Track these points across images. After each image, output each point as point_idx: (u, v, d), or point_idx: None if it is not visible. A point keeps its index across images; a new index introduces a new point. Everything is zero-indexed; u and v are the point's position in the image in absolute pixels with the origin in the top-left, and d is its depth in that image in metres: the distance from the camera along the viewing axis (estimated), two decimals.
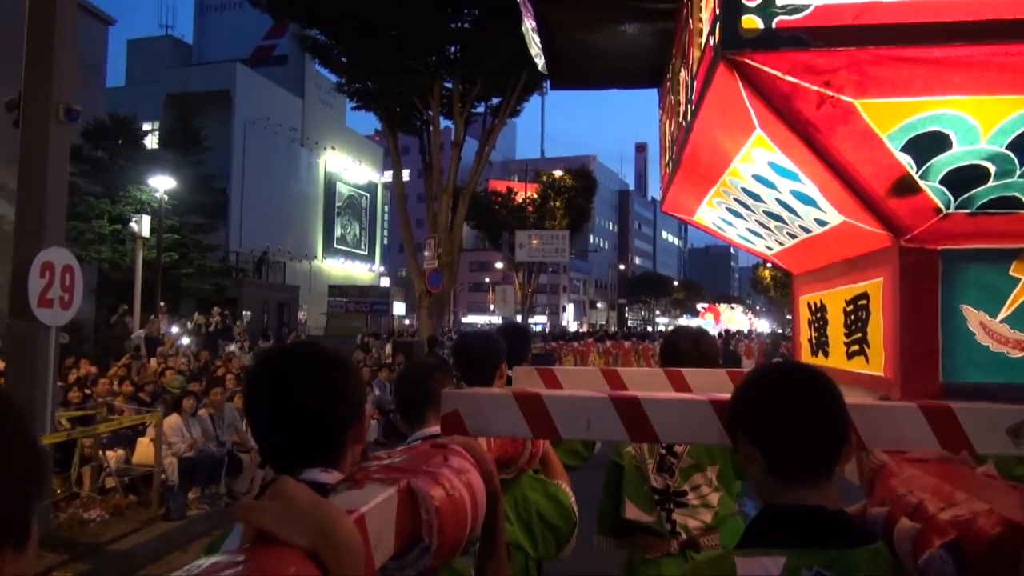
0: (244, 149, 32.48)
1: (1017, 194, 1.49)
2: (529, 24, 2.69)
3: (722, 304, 74.14)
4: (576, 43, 2.76)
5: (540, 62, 2.98)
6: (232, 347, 17.55)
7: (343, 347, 18.98)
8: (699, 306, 72.29)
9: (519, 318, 32.09)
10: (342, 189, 40.83)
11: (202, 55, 37.97)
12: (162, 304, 17.37)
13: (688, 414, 1.65)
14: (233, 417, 8.14)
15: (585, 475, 2.93)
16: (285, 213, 34.76)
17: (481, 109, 19.30)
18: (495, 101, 18.90)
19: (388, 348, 19.12)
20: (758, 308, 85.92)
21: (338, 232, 40.32)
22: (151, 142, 24.34)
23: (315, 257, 37.88)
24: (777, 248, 2.47)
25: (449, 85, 17.85)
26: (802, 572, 1.12)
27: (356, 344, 20.64)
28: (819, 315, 2.38)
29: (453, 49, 17.17)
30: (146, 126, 24.18)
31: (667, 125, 2.90)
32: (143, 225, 17.59)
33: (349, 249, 41.54)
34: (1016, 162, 1.43)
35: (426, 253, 17.58)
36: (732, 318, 65.59)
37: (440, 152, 18.22)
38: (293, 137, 35.89)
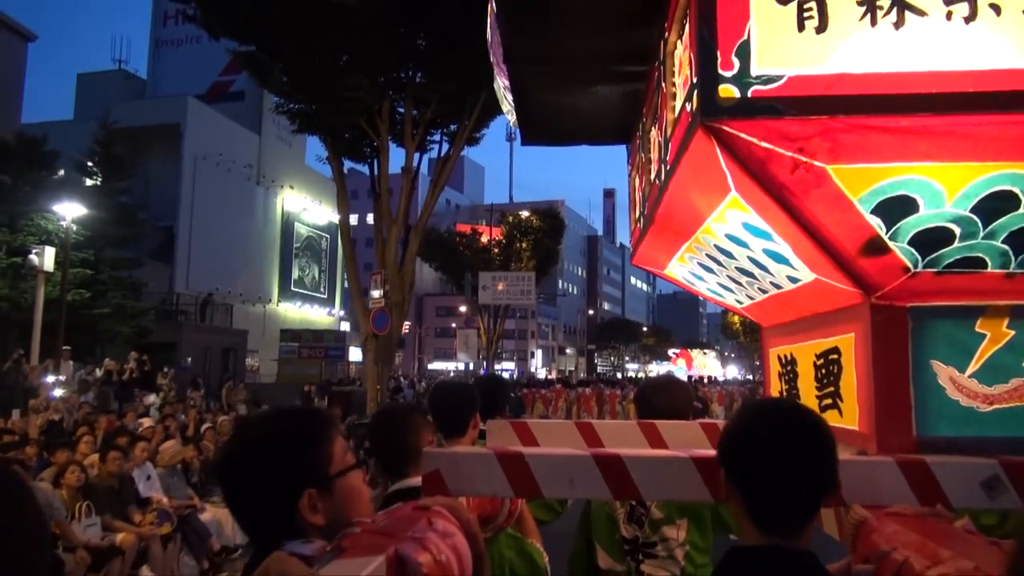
0: (194, 185, 31.63)
1: (981, 254, 1.55)
2: (502, 83, 2.74)
3: (695, 349, 74.41)
4: (548, 102, 2.81)
5: (511, 119, 3.03)
6: (151, 399, 15.32)
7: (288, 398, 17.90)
8: (671, 352, 72.48)
9: (484, 364, 31.78)
10: (300, 230, 40.32)
11: (156, 90, 37.47)
12: (66, 348, 15.45)
13: (670, 471, 1.65)
14: (50, 505, 5.82)
15: (556, 528, 2.90)
16: (238, 254, 33.97)
17: (437, 137, 18.09)
18: (452, 127, 17.61)
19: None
20: (727, 354, 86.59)
21: (295, 274, 39.66)
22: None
23: (270, 300, 37.07)
24: (747, 302, 2.51)
25: (401, 110, 16.69)
26: None
27: (300, 394, 18.82)
28: (789, 368, 2.42)
29: (404, 69, 15.95)
30: (90, 163, 22.74)
31: (636, 181, 2.96)
32: (45, 257, 15.66)
33: (307, 292, 40.84)
34: (979, 224, 1.49)
35: (372, 292, 16.20)
36: (705, 364, 65.64)
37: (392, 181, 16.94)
38: (248, 175, 35.24)
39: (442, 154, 18.04)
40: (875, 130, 1.36)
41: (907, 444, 1.70)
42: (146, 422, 9.78)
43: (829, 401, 2.06)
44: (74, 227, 17.57)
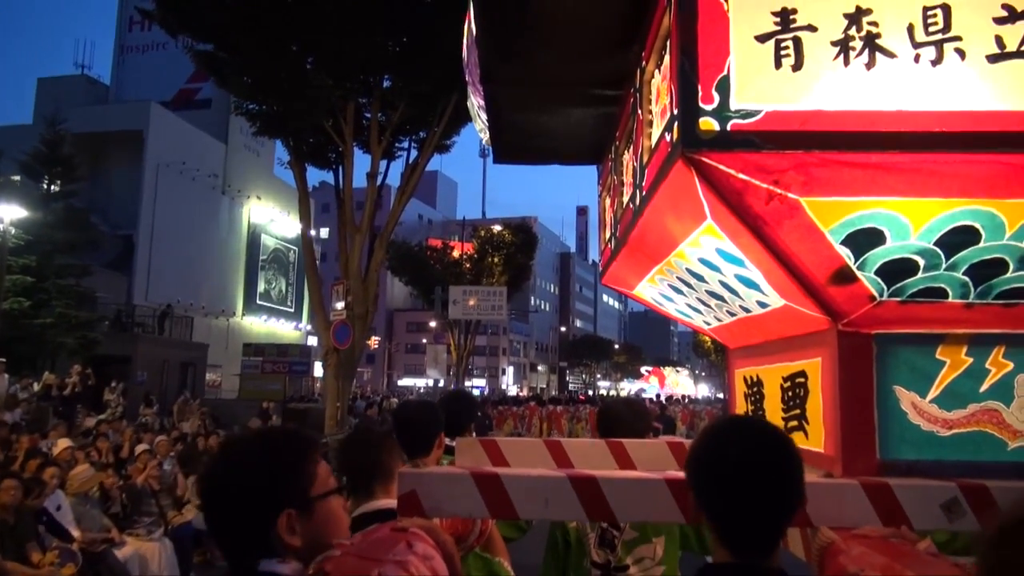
0: (156, 194, 30.90)
1: (943, 285, 1.62)
2: (477, 102, 2.77)
3: (667, 367, 74.38)
4: (522, 122, 2.86)
5: (484, 137, 3.06)
6: (94, 419, 13.85)
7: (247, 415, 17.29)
8: (643, 369, 72.31)
9: (455, 380, 31.51)
10: (268, 242, 39.71)
11: (120, 96, 36.72)
12: (0, 360, 14.59)
13: (645, 493, 1.68)
14: None
15: (522, 545, 2.89)
16: (201, 265, 33.30)
17: (405, 144, 17.54)
18: (422, 135, 16.93)
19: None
20: (698, 372, 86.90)
21: (261, 287, 39.00)
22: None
23: (234, 313, 36.38)
24: (715, 324, 2.56)
25: (368, 115, 16.14)
26: None
27: (257, 411, 18.05)
28: (755, 389, 2.47)
29: (372, 71, 15.31)
30: (37, 165, 21.67)
31: (607, 202, 3.01)
32: None
33: (273, 306, 40.16)
34: (942, 257, 1.56)
35: (335, 303, 15.48)
36: (677, 382, 65.35)
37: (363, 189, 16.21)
38: (213, 184, 34.57)
39: (409, 160, 17.49)
40: (847, 165, 1.41)
41: (870, 467, 1.75)
42: (61, 443, 8.37)
43: (795, 423, 2.11)
44: (12, 230, 16.61)
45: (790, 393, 2.15)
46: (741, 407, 2.64)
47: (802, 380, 2.04)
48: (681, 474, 1.75)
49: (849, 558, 1.44)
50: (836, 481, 1.70)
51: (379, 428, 2.29)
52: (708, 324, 2.69)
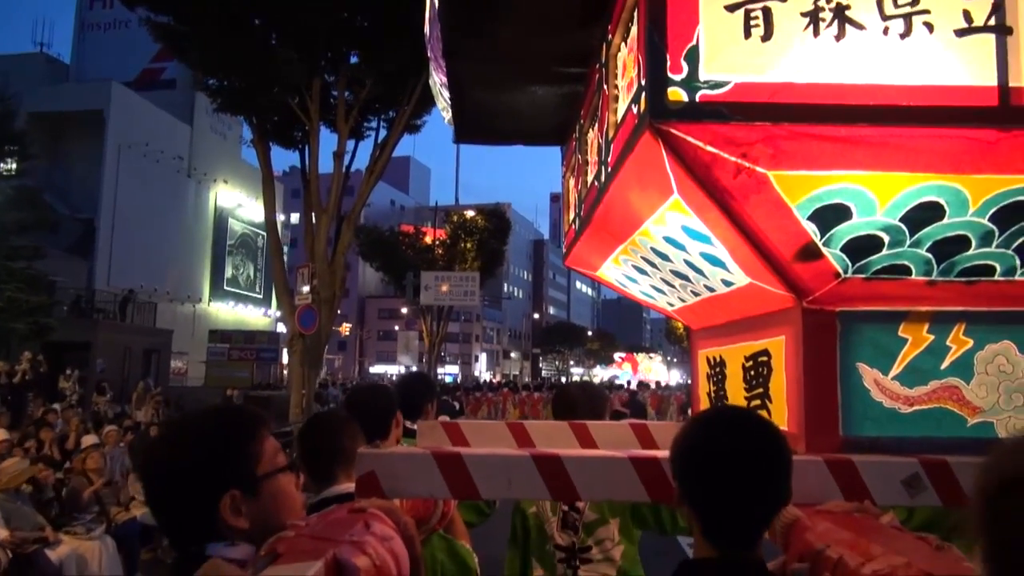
0: (117, 176, 29.89)
1: (906, 262, 1.62)
2: (439, 79, 2.71)
3: (640, 354, 74.55)
4: (485, 100, 2.80)
5: (447, 116, 3.00)
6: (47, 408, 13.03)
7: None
8: (616, 356, 72.48)
9: (427, 367, 31.28)
10: (235, 226, 38.86)
11: (81, 76, 35.54)
12: None
13: (609, 471, 1.66)
14: None
15: (486, 533, 2.87)
16: (165, 250, 32.47)
17: (374, 124, 17.08)
18: (391, 114, 16.55)
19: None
20: (670, 359, 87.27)
21: (229, 273, 38.18)
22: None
23: (200, 299, 35.68)
24: (679, 304, 2.55)
25: (335, 93, 15.68)
26: None
27: (221, 399, 17.68)
28: (718, 369, 2.47)
29: (337, 45, 14.84)
30: None
31: (571, 183, 2.98)
32: None
33: (241, 292, 39.40)
34: (906, 233, 1.56)
35: (301, 287, 15.09)
36: (650, 368, 65.44)
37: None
38: (178, 167, 33.56)
39: (378, 140, 17.04)
40: (815, 138, 1.40)
41: (834, 444, 1.76)
42: None
43: (758, 402, 2.11)
44: None
45: (753, 372, 2.14)
46: (704, 388, 2.64)
47: (765, 359, 2.04)
48: (645, 452, 1.74)
49: (815, 534, 1.44)
50: (800, 458, 1.69)
51: (338, 413, 2.24)
52: (672, 305, 2.68)
